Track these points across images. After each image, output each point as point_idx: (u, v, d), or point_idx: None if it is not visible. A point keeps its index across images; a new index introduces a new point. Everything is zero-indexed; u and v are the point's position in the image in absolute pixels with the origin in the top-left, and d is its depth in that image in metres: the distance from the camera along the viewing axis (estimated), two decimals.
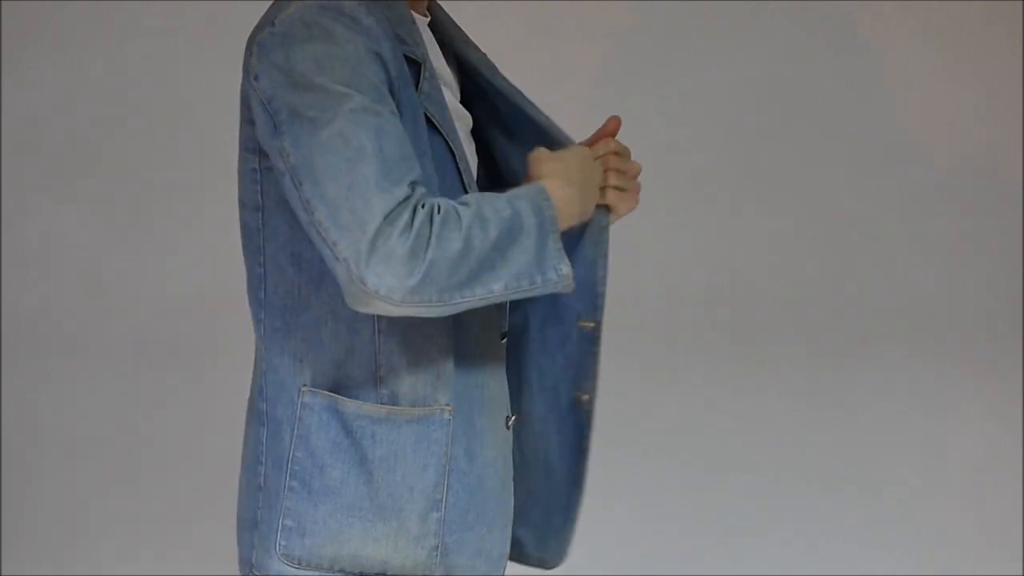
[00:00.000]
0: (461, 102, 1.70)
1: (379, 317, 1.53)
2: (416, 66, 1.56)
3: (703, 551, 3.15)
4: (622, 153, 1.65)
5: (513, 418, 1.69)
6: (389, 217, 1.38)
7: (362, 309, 1.42)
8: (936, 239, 3.19)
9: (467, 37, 1.75)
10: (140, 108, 3.12)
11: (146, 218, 3.14)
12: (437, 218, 1.41)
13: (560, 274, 1.48)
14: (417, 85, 1.55)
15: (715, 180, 3.18)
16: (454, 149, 1.58)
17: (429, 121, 1.55)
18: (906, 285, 3.19)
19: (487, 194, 1.49)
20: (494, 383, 1.64)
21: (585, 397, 1.68)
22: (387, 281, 1.38)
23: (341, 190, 1.39)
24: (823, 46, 3.18)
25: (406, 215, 1.39)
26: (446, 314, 1.45)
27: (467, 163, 1.61)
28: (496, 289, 1.45)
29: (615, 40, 3.15)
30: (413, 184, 1.42)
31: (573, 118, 1.74)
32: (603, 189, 1.63)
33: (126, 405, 3.15)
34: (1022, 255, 3.18)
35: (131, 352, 3.14)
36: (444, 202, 1.44)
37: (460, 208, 1.44)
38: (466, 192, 1.58)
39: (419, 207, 1.40)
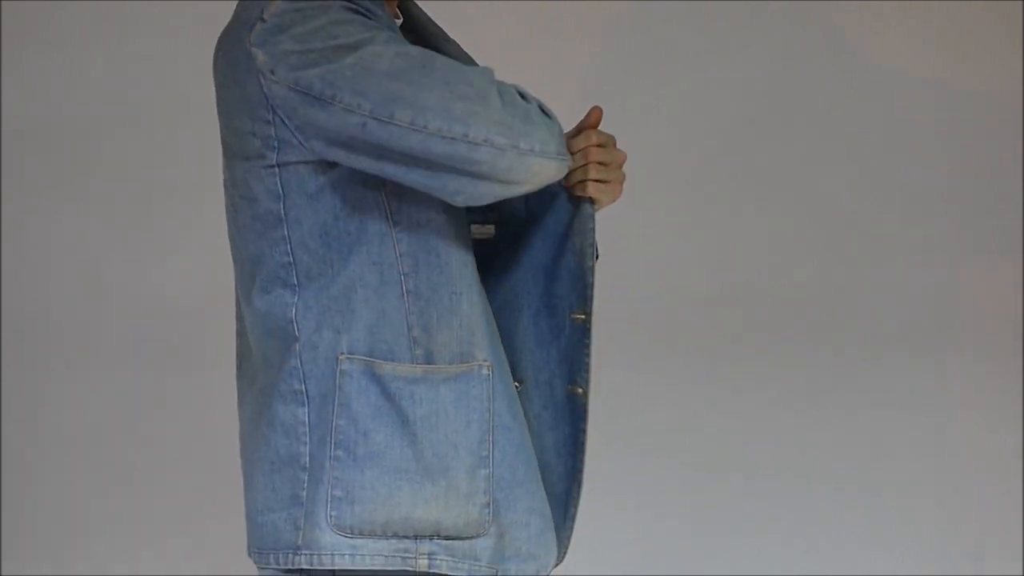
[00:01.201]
0: None
1: (405, 277, 1.56)
2: None
3: (703, 551, 3.15)
4: (605, 144, 1.65)
5: (519, 386, 1.71)
6: (499, 86, 1.48)
7: (521, 182, 1.50)
8: (936, 239, 3.19)
9: (445, 33, 1.77)
10: (140, 108, 3.11)
11: (146, 218, 3.14)
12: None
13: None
14: None
15: (715, 180, 3.18)
16: None
17: None
18: (906, 285, 3.19)
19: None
20: (502, 352, 1.66)
21: (579, 391, 1.69)
22: (540, 135, 1.47)
23: (439, 91, 1.45)
24: (823, 46, 3.17)
25: (506, 84, 1.49)
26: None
27: None
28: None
29: (615, 40, 3.15)
30: None
31: (573, 118, 1.74)
32: (584, 182, 1.64)
33: (126, 405, 3.15)
34: (1022, 255, 3.18)
35: (131, 352, 3.14)
36: None
37: None
38: None
39: None
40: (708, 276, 3.18)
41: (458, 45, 1.75)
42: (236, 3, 1.64)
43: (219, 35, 1.61)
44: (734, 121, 3.17)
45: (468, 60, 1.73)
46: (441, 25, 1.83)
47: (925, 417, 3.19)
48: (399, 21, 1.69)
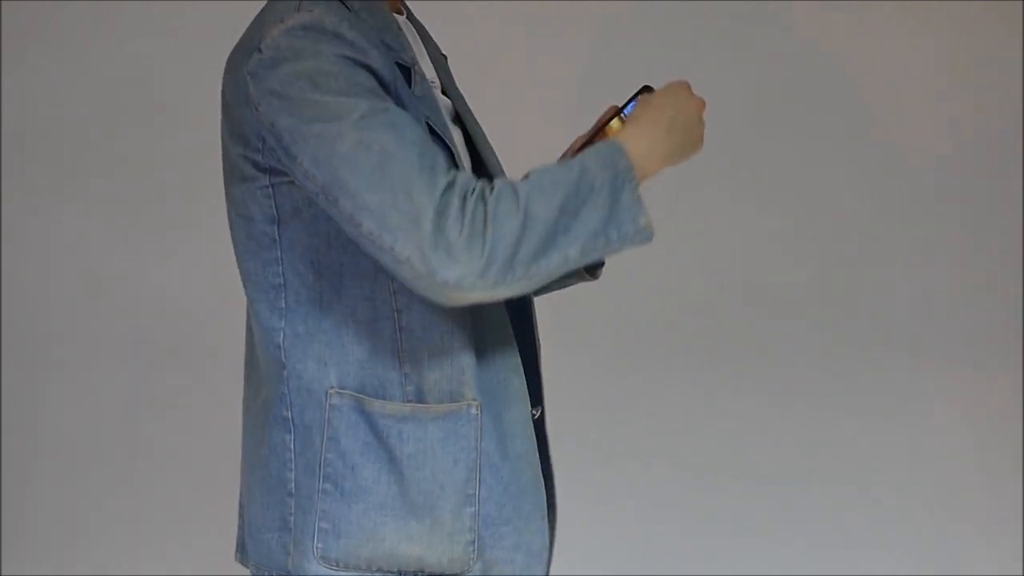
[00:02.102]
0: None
1: (398, 314, 1.55)
2: (406, 71, 1.57)
3: (703, 551, 3.15)
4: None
5: (537, 413, 1.70)
6: (439, 208, 1.40)
7: (440, 301, 1.44)
8: (936, 239, 3.19)
9: (428, 34, 1.77)
10: (140, 108, 3.12)
11: (146, 218, 3.14)
12: (491, 198, 1.42)
13: (637, 225, 1.48)
14: (410, 89, 1.56)
15: (715, 180, 3.18)
16: (452, 149, 1.59)
17: (425, 122, 1.56)
18: (906, 286, 3.19)
19: (554, 164, 1.50)
20: (516, 378, 1.64)
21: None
22: (455, 270, 1.39)
23: (382, 196, 1.41)
24: (823, 46, 3.18)
25: (455, 201, 1.40)
26: (532, 288, 1.46)
27: (463, 163, 1.63)
28: (572, 253, 1.45)
29: (614, 40, 3.15)
30: (449, 169, 1.44)
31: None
32: None
33: (126, 405, 3.15)
34: (1022, 255, 3.18)
35: (131, 352, 3.14)
36: (499, 181, 1.45)
37: (517, 184, 1.45)
38: None
39: (469, 192, 1.42)
40: (708, 276, 3.18)
41: (438, 48, 1.76)
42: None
43: (232, 49, 1.60)
44: (734, 121, 3.17)
45: (446, 71, 1.73)
46: (441, 24, 1.83)
47: (925, 417, 3.19)
48: (403, 15, 1.68)
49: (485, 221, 1.40)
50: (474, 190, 1.42)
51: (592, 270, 1.83)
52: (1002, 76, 3.18)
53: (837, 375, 3.18)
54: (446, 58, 1.79)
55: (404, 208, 1.40)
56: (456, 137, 1.65)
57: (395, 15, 1.65)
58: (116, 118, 3.12)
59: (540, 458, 1.69)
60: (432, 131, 1.56)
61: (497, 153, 1.75)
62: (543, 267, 1.44)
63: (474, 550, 1.58)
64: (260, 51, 1.50)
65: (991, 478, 3.18)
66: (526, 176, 1.47)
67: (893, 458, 3.17)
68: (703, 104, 1.63)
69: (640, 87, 1.63)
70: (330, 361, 1.56)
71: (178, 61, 3.09)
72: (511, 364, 1.63)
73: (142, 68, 3.11)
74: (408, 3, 1.74)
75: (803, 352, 3.18)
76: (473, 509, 1.58)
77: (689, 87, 1.64)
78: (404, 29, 1.66)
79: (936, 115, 3.18)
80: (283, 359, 1.60)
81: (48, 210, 3.14)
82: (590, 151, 1.50)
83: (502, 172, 1.73)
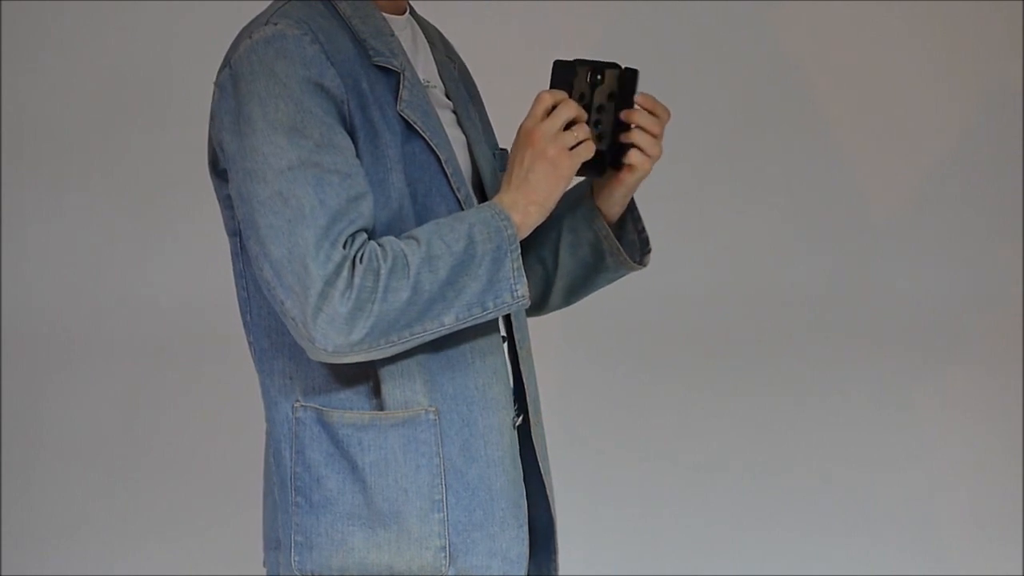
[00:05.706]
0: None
1: None
2: (395, 75, 1.57)
3: (702, 551, 3.15)
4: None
5: (520, 419, 1.68)
6: (329, 279, 1.43)
7: (316, 359, 1.49)
8: (935, 239, 3.19)
9: (439, 37, 1.76)
10: (140, 108, 3.12)
11: (146, 218, 3.14)
12: (384, 268, 1.45)
13: (515, 295, 1.52)
14: (397, 95, 1.56)
15: (715, 180, 3.18)
16: (439, 152, 1.58)
17: (412, 127, 1.56)
18: (906, 285, 3.19)
19: (444, 222, 1.51)
20: (497, 385, 1.62)
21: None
22: (333, 340, 1.45)
23: (283, 252, 1.45)
24: (823, 46, 3.18)
25: (345, 274, 1.44)
26: (400, 351, 1.50)
27: (455, 163, 1.61)
28: (447, 321, 1.50)
29: (614, 39, 3.15)
30: (353, 236, 1.46)
31: None
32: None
33: (126, 405, 3.15)
34: (1022, 255, 3.18)
35: (131, 352, 3.14)
36: (391, 246, 1.47)
37: (408, 251, 1.47)
38: (453, 192, 1.59)
39: (358, 261, 1.45)
40: (708, 276, 3.18)
41: (446, 49, 1.75)
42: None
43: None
44: (733, 121, 3.17)
45: (451, 76, 1.71)
46: (439, 25, 1.82)
47: (925, 417, 3.19)
48: (405, 15, 1.67)
49: (374, 293, 1.44)
50: (363, 257, 1.45)
51: (641, 258, 1.76)
52: (1002, 76, 3.18)
53: (837, 375, 3.18)
54: (455, 63, 1.77)
55: (299, 272, 1.44)
56: (456, 141, 1.64)
57: (395, 16, 1.64)
58: (116, 118, 3.12)
59: (527, 465, 1.68)
60: (417, 133, 1.56)
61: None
62: (417, 334, 1.49)
63: (445, 556, 1.57)
64: (230, 67, 1.52)
65: (991, 478, 3.18)
66: (415, 238, 1.49)
67: (893, 458, 3.17)
68: (549, 114, 1.56)
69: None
70: (295, 375, 1.58)
71: (178, 61, 3.09)
72: (492, 370, 1.62)
73: (142, 68, 3.11)
74: (416, 3, 1.73)
75: (803, 352, 3.18)
76: (441, 515, 1.57)
77: (538, 109, 1.56)
78: (404, 30, 1.65)
79: (936, 115, 3.18)
80: (257, 373, 1.63)
81: (48, 210, 3.14)
82: (477, 216, 1.52)
83: (496, 177, 1.71)
